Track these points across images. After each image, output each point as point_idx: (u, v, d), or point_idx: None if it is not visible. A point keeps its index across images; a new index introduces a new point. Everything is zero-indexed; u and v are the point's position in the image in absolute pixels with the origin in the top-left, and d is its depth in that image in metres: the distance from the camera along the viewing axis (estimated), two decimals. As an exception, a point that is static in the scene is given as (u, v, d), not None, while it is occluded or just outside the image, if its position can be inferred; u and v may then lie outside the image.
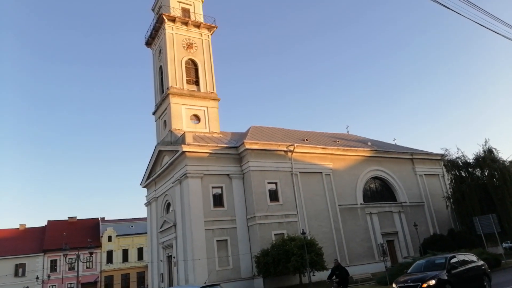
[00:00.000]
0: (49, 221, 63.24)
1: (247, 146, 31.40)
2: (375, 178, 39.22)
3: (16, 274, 54.04)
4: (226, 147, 32.39)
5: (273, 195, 31.75)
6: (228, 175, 31.89)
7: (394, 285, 14.84)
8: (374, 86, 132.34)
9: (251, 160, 31.54)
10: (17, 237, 58.73)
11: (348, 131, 48.11)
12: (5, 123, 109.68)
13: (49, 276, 52.01)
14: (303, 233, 26.82)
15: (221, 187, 31.50)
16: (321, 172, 35.07)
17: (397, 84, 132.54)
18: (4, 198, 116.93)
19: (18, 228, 62.15)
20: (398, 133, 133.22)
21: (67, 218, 64.62)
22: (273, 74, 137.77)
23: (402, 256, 36.15)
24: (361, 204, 36.45)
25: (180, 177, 31.20)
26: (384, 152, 40.34)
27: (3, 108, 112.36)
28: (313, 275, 26.95)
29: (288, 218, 31.57)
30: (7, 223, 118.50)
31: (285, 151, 33.24)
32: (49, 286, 52.61)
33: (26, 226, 62.79)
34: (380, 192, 39.38)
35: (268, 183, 31.79)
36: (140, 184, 40.42)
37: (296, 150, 33.50)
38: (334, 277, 16.60)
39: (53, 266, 55.77)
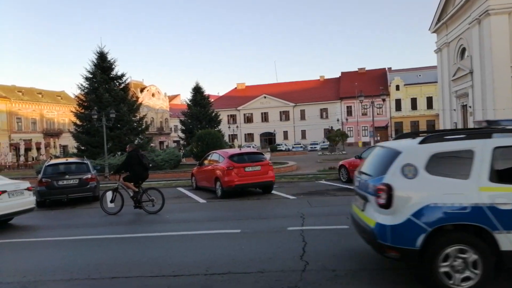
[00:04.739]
0: (342, 73, 71.02)
1: None
2: None
3: (321, 116, 66.56)
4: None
5: None
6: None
7: None
8: None
9: None
10: (318, 87, 70.23)
11: None
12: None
13: (346, 119, 60.93)
14: None
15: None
16: None
17: None
18: (302, 53, 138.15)
19: (319, 79, 73.69)
20: None
21: (357, 70, 70.16)
22: None
23: None
24: None
25: (479, 16, 26.15)
26: None
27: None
28: None
29: None
30: (310, 75, 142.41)
31: None
32: (347, 127, 62.02)
33: (325, 78, 73.42)
34: None
35: None
36: (429, 29, 37.11)
37: None
38: None
39: (349, 111, 64.41)
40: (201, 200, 11.42)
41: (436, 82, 42.50)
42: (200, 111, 42.30)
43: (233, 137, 60.30)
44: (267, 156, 16.72)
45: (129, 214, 9.64)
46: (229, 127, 60.76)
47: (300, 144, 58.38)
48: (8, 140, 47.73)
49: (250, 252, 5.55)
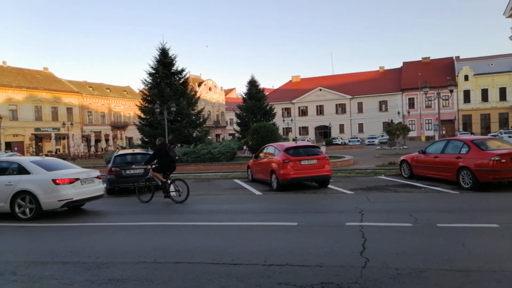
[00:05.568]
0: (404, 63, 67.41)
1: None
2: None
3: (380, 109, 63.88)
4: None
5: None
6: None
7: None
8: None
9: None
10: (378, 78, 67.39)
11: None
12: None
13: (408, 112, 57.80)
14: None
15: None
16: None
17: None
18: (361, 44, 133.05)
19: (378, 70, 70.69)
20: None
21: (420, 59, 66.15)
22: None
23: None
24: None
25: None
26: None
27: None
28: None
29: None
30: (368, 66, 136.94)
31: None
32: (409, 120, 58.84)
33: (385, 68, 70.23)
34: None
35: None
36: (503, 14, 33.79)
37: None
38: None
39: (411, 103, 61.03)
40: (257, 192, 11.57)
41: (510, 71, 38.70)
42: (255, 104, 42.68)
43: (287, 130, 60.17)
44: (322, 149, 16.44)
45: (190, 203, 10.06)
46: (283, 120, 60.70)
47: (357, 137, 56.63)
48: (80, 132, 52.07)
49: (307, 246, 5.53)
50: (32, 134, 48.24)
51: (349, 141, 54.70)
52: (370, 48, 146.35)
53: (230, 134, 69.94)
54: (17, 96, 47.12)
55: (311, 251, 5.20)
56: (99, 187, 9.56)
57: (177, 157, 11.17)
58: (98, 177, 9.61)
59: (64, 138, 49.86)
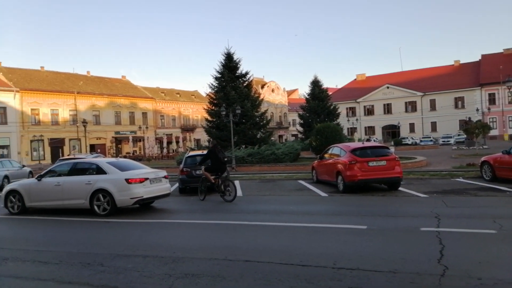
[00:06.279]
0: (483, 55, 61.71)
1: None
2: None
3: (455, 106, 59.13)
4: None
5: None
6: None
7: None
8: None
9: None
10: (452, 73, 62.47)
11: None
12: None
13: (488, 109, 52.72)
14: None
15: None
16: None
17: None
18: (432, 38, 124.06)
19: (453, 65, 65.53)
20: None
21: (502, 51, 60.08)
22: None
23: None
24: None
25: None
26: None
27: None
28: None
29: None
30: (441, 61, 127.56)
31: None
32: (489, 118, 53.64)
33: (460, 62, 64.90)
34: None
35: None
36: None
37: None
38: None
39: (491, 99, 55.60)
40: (323, 194, 11.42)
41: None
42: (319, 104, 42.10)
43: (352, 130, 58.39)
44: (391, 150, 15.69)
45: (257, 203, 10.25)
46: (348, 120, 59.02)
47: (429, 137, 52.95)
48: (154, 134, 55.70)
49: (379, 250, 5.34)
50: (112, 137, 52.75)
51: (421, 140, 51.38)
52: (443, 42, 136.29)
53: (293, 135, 69.76)
54: (99, 103, 51.86)
55: (383, 256, 5.02)
56: (166, 186, 10.21)
57: (226, 159, 11.85)
58: (165, 177, 10.27)
59: (140, 141, 53.75)
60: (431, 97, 61.56)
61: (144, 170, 9.94)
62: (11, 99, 42.91)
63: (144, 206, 10.27)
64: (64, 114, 47.96)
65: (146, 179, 9.43)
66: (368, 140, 44.06)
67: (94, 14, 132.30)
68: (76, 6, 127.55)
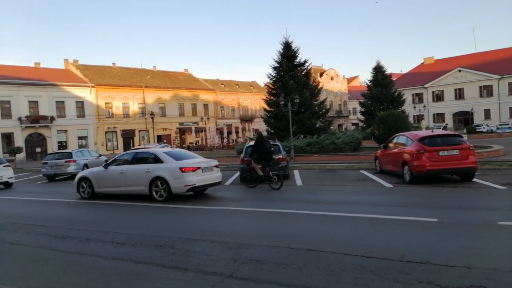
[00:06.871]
0: None
1: None
2: None
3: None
4: None
5: None
6: None
7: None
8: None
9: None
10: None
11: None
12: None
13: None
14: None
15: None
16: None
17: None
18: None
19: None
20: None
21: None
22: None
23: None
24: None
25: None
26: None
27: None
28: None
29: None
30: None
31: None
32: None
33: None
34: None
35: None
36: None
37: None
38: None
39: None
40: (387, 184, 10.97)
41: None
42: (381, 91, 40.25)
43: (419, 117, 55.03)
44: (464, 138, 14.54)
45: (317, 193, 10.17)
46: (414, 107, 55.62)
47: (508, 124, 48.09)
48: (215, 125, 57.49)
49: (451, 244, 5.03)
50: (177, 128, 55.44)
51: (498, 128, 46.89)
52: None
53: (353, 124, 67.62)
54: (164, 96, 54.66)
55: (456, 251, 4.73)
56: (217, 175, 10.69)
57: (272, 149, 12.14)
58: (216, 166, 10.73)
59: (202, 131, 55.86)
60: (509, 80, 55.67)
61: (196, 160, 10.50)
62: (88, 94, 46.97)
63: (200, 194, 10.77)
64: (134, 107, 51.38)
65: (199, 168, 9.97)
66: (444, 128, 41.27)
67: (160, 14, 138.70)
68: (139, 10, 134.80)
